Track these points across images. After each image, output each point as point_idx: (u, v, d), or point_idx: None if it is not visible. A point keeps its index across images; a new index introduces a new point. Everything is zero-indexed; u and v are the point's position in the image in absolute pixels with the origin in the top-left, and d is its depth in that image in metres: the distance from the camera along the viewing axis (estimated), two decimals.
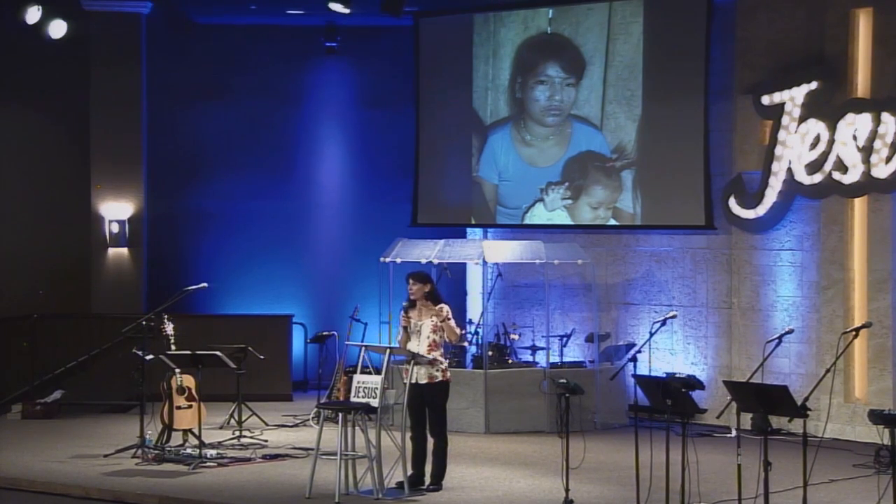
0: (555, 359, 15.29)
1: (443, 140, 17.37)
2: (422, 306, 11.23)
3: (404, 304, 11.34)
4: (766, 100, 14.65)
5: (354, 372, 11.41)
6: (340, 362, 15.30)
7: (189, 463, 12.26)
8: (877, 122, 13.76)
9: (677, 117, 15.39)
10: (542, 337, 15.45)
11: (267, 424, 14.65)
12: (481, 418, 14.53)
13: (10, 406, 15.80)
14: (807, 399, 9.07)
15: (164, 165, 18.34)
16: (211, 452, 12.65)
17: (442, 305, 11.23)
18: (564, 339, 15.54)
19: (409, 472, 11.09)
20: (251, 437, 13.71)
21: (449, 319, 11.17)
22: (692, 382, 13.80)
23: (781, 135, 14.49)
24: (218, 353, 12.92)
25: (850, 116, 13.95)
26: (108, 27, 17.81)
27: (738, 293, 15.20)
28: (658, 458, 9.98)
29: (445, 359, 11.38)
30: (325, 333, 15.83)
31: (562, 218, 16.37)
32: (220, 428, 14.32)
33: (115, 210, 17.92)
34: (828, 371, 9.97)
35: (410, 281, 11.29)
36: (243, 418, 14.29)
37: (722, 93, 15.25)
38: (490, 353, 14.95)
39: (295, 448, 13.17)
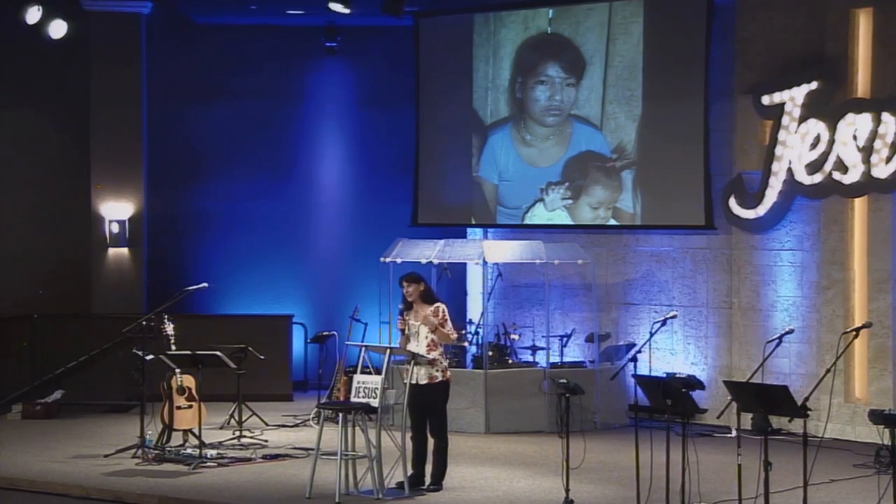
0: (555, 359, 15.29)
1: (443, 140, 17.37)
2: (418, 307, 11.24)
3: (400, 306, 11.34)
4: (766, 100, 14.65)
5: (354, 372, 11.41)
6: (340, 362, 15.29)
7: (189, 463, 12.26)
8: (877, 122, 13.76)
9: (677, 117, 15.39)
10: (542, 337, 15.45)
11: (267, 424, 14.65)
12: (481, 418, 14.53)
13: (10, 406, 15.80)
14: (807, 399, 9.06)
15: (164, 165, 18.34)
16: (211, 452, 12.65)
17: (438, 305, 11.23)
18: (564, 339, 15.54)
19: (410, 472, 11.09)
20: (251, 437, 13.71)
21: (446, 322, 11.15)
22: (692, 382, 13.84)
23: (781, 135, 14.49)
24: (218, 353, 12.92)
25: (850, 116, 13.95)
26: (108, 27, 17.81)
27: (738, 293, 15.20)
28: (658, 458, 9.99)
29: (445, 359, 11.39)
30: (325, 333, 15.84)
31: (562, 218, 16.37)
32: (221, 428, 14.32)
33: (115, 210, 17.93)
34: (828, 371, 9.96)
35: (404, 283, 11.29)
36: (243, 418, 14.29)
37: (722, 93, 15.24)
38: (490, 353, 14.95)
39: (295, 448, 13.17)
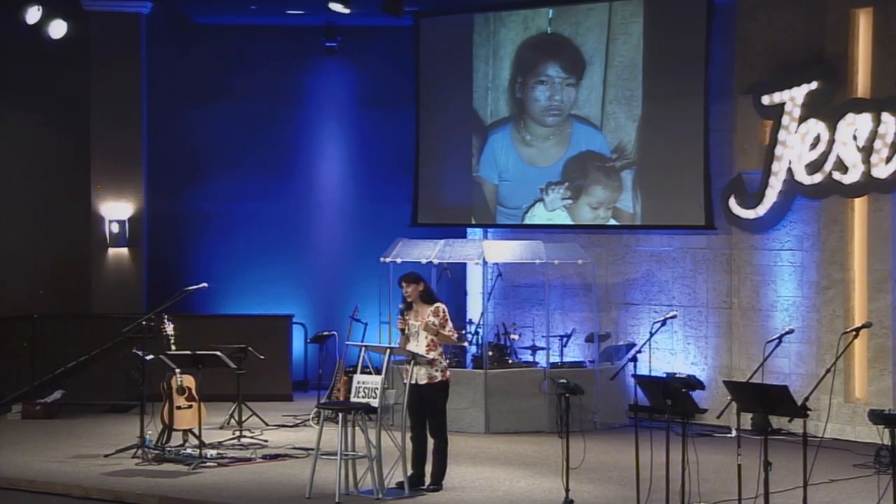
0: (555, 359, 15.29)
1: (443, 140, 17.37)
2: (417, 307, 11.24)
3: (400, 306, 11.35)
4: (766, 100, 14.66)
5: (354, 372, 11.41)
6: (340, 362, 15.30)
7: (189, 463, 12.26)
8: (877, 122, 13.76)
9: (677, 117, 15.39)
10: (542, 337, 15.45)
11: (267, 424, 14.65)
12: (481, 418, 14.53)
13: (10, 406, 15.80)
14: (807, 399, 9.07)
15: (164, 165, 18.34)
16: (211, 452, 12.65)
17: (437, 305, 11.23)
18: (564, 339, 15.54)
19: (410, 472, 11.09)
20: (251, 437, 13.71)
21: (446, 322, 11.15)
22: (692, 382, 13.81)
23: (781, 135, 14.49)
24: (218, 353, 12.92)
25: (850, 116, 13.95)
26: (108, 27, 17.81)
27: (738, 293, 15.20)
28: (658, 458, 9.99)
29: (445, 359, 11.38)
30: (325, 333, 15.85)
31: (562, 218, 16.37)
32: (220, 428, 14.32)
33: (115, 210, 17.92)
34: (828, 371, 9.97)
35: (403, 284, 11.29)
36: (243, 418, 14.29)
37: (722, 93, 15.25)
38: (490, 353, 14.95)
39: (295, 448, 13.17)
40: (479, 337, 15.33)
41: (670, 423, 9.81)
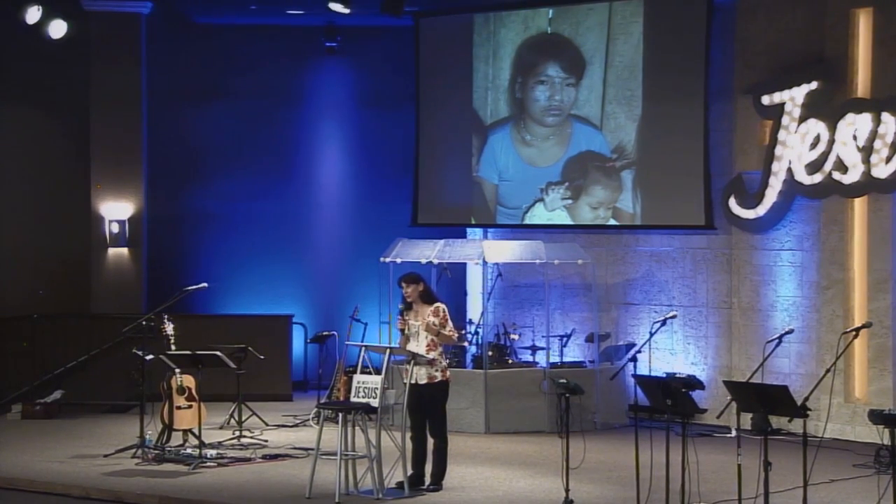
0: (555, 359, 15.29)
1: (443, 140, 17.37)
2: (417, 308, 11.24)
3: (400, 306, 11.35)
4: (766, 100, 14.66)
5: (354, 372, 11.42)
6: (340, 362, 15.30)
7: (189, 463, 12.26)
8: (877, 122, 13.76)
9: (677, 117, 15.39)
10: (542, 337, 15.44)
11: (267, 424, 14.65)
12: (481, 418, 14.53)
13: (10, 406, 15.80)
14: (807, 399, 9.07)
15: (164, 165, 18.34)
16: (211, 452, 12.65)
17: (437, 305, 11.23)
18: (564, 339, 15.55)
19: (410, 472, 11.09)
20: (251, 437, 13.71)
21: (447, 321, 11.15)
22: (692, 382, 13.83)
23: (781, 135, 14.49)
24: (218, 353, 12.92)
25: (850, 116, 13.95)
26: (108, 27, 17.81)
27: (738, 293, 15.20)
28: (658, 458, 9.99)
29: (445, 358, 11.38)
30: (325, 333, 15.85)
31: (562, 218, 16.37)
32: (220, 428, 14.32)
33: (115, 210, 17.93)
34: (828, 371, 9.97)
35: (403, 284, 11.30)
36: (243, 418, 14.29)
37: (722, 93, 15.25)
38: (490, 353, 14.95)
39: (295, 448, 13.17)
40: (479, 337, 15.33)
41: (670, 423, 9.81)
